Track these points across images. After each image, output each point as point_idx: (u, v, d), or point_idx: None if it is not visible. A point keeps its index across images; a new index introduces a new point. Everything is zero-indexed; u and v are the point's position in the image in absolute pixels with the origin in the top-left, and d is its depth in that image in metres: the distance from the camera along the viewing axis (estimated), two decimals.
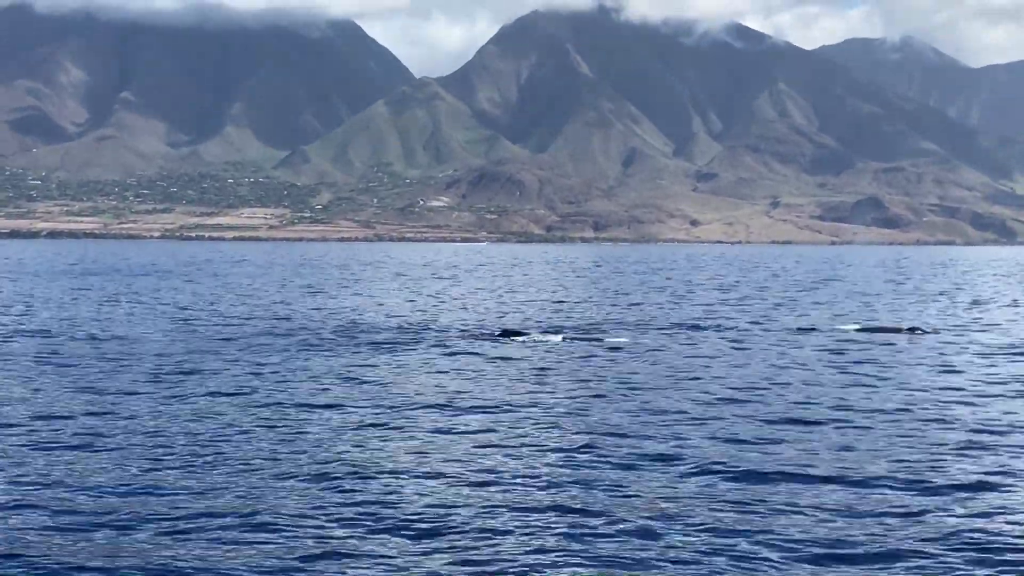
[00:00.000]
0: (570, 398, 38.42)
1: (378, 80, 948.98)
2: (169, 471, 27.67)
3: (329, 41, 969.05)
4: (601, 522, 22.82)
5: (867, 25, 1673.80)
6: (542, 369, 46.49)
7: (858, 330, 66.37)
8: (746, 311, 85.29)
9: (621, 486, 26.04)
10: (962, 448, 30.80)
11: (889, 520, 23.50)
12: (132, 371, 46.40)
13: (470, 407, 36.62)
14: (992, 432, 32.96)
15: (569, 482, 26.22)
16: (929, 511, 24.18)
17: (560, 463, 28.18)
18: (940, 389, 41.80)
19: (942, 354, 54.63)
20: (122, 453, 29.69)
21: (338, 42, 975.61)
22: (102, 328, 66.19)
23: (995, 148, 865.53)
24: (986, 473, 27.78)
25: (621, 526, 22.66)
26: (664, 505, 24.22)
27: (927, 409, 37.02)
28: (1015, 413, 36.11)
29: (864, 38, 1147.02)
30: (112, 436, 31.93)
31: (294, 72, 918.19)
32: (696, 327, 68.96)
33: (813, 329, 67.39)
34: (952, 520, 23.54)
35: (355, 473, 27.19)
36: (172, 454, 29.67)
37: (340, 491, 25.54)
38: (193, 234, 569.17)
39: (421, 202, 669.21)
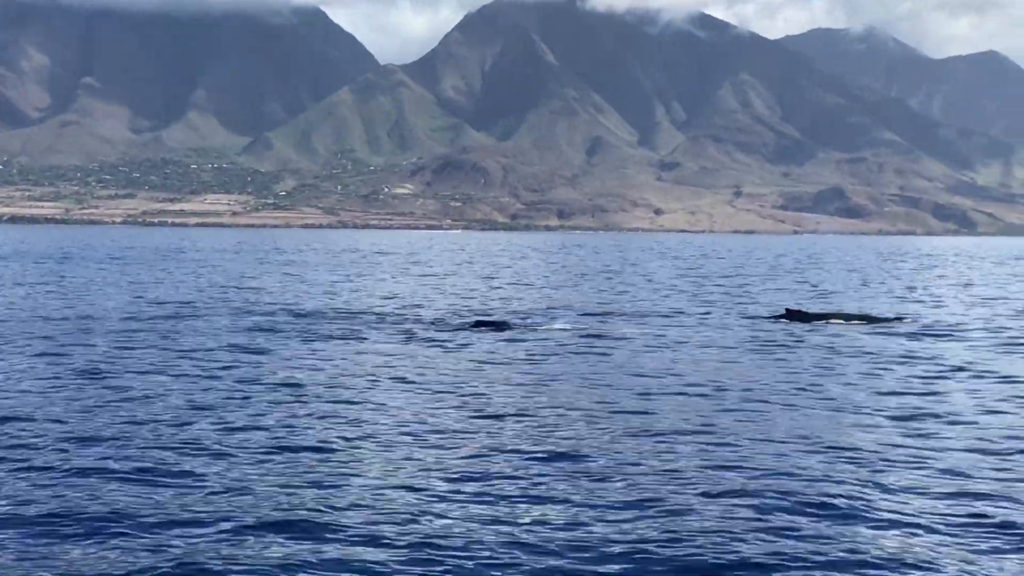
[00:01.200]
0: (537, 390, 37.81)
1: (342, 67, 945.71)
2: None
3: (293, 27, 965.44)
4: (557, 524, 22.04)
5: (830, 16, 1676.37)
6: (516, 361, 45.67)
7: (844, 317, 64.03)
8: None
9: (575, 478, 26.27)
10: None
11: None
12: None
13: (439, 401, 35.82)
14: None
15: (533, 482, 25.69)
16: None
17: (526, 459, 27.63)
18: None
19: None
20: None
21: (302, 28, 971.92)
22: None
23: (956, 139, 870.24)
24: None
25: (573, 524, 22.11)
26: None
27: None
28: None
29: (827, 29, 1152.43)
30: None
31: (258, 58, 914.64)
32: (677, 314, 68.04)
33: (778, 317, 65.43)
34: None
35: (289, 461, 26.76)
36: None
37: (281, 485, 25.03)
38: (156, 220, 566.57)
39: (385, 189, 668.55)
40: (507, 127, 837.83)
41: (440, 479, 24.99)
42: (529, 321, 60.53)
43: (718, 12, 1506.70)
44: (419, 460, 26.71)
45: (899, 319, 63.65)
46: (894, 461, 26.84)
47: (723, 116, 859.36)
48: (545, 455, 27.19)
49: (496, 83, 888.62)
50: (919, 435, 30.08)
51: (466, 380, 38.90)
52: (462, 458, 26.99)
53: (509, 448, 28.03)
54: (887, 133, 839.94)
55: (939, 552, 20.41)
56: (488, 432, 30.03)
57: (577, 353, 47.25)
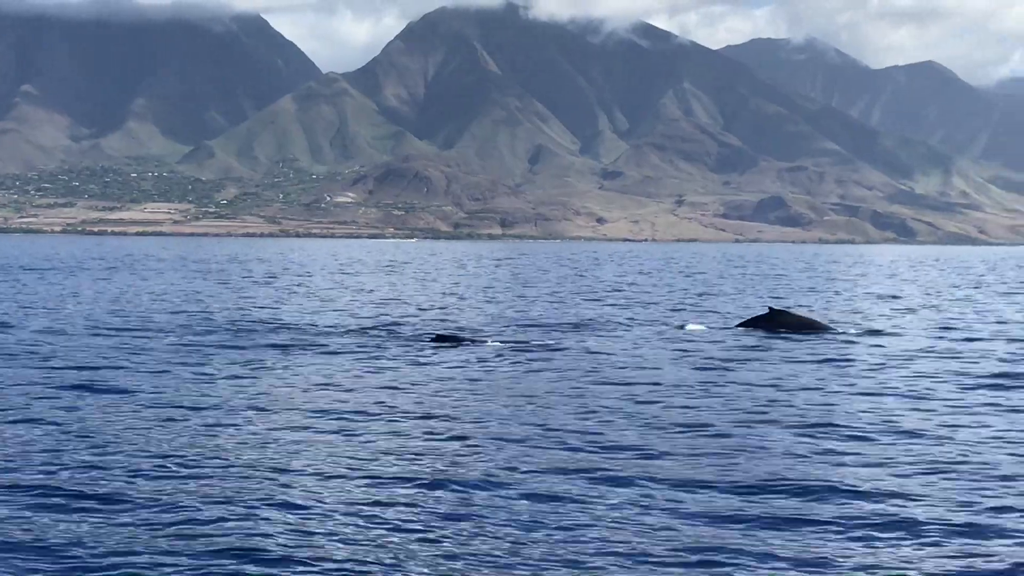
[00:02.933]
0: (501, 409, 36.71)
1: (284, 75, 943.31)
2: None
3: (234, 35, 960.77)
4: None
5: (771, 26, 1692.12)
6: (474, 379, 43.76)
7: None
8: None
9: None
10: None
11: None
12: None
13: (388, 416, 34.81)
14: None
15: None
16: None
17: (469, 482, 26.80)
18: None
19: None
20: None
21: (243, 36, 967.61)
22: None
23: (896, 148, 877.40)
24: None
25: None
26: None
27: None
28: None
29: (768, 38, 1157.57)
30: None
31: (199, 66, 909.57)
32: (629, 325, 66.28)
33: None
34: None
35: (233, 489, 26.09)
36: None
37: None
38: (95, 229, 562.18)
39: (328, 198, 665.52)
40: (449, 136, 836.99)
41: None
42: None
43: (660, 22, 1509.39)
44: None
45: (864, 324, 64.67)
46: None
47: (665, 125, 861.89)
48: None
49: (438, 92, 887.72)
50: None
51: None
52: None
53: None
54: (827, 142, 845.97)
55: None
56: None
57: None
